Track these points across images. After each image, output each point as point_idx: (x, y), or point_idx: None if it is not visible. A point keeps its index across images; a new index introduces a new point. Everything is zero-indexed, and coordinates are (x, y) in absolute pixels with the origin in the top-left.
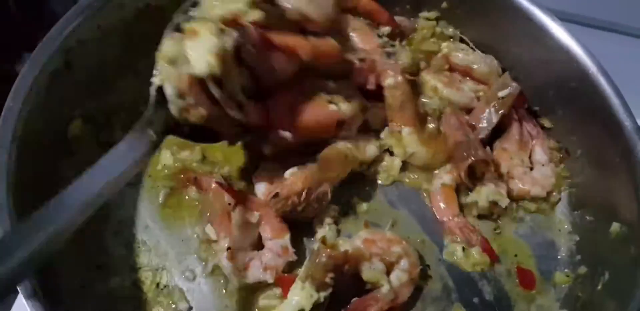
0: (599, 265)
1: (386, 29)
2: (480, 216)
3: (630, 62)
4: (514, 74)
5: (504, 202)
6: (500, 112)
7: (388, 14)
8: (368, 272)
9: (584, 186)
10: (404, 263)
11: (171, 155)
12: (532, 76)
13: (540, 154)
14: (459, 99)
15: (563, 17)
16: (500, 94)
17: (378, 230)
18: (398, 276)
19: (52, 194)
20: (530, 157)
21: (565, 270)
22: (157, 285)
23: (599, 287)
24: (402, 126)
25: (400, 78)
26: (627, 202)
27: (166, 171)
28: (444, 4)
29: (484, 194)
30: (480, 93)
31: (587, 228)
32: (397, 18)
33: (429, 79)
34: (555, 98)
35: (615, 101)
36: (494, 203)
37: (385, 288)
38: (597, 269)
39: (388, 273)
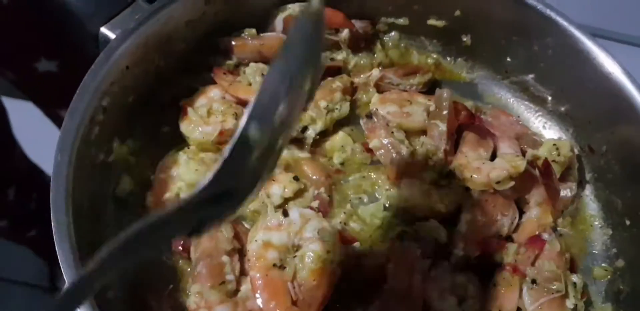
0: (637, 259)
1: (345, 33)
2: None
3: None
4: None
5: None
6: (441, 122)
7: (342, 15)
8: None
9: (613, 183)
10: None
11: None
12: (550, 78)
13: (505, 148)
14: (410, 124)
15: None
16: (432, 107)
17: None
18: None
19: None
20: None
21: (603, 265)
22: None
23: None
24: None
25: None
26: None
27: None
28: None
29: None
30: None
31: (619, 223)
32: (358, 23)
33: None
34: (577, 98)
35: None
36: None
37: None
38: (636, 262)
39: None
